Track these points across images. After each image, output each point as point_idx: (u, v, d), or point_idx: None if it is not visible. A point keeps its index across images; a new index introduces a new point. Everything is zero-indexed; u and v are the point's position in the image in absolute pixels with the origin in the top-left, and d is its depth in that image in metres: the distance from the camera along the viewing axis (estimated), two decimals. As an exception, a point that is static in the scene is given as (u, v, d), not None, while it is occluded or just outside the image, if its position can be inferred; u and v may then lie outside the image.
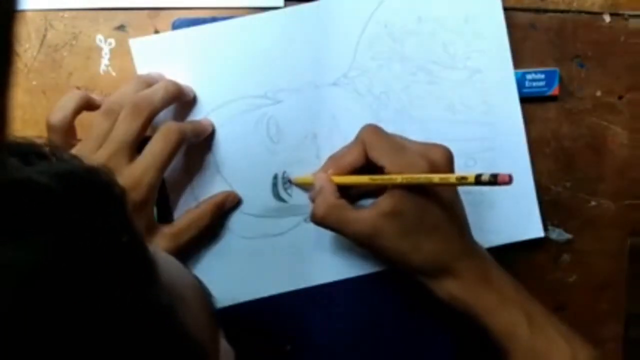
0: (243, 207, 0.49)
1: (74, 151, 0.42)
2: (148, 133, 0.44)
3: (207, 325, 0.29)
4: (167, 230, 0.45)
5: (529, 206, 0.50)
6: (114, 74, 0.49)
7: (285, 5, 0.48)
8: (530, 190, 0.50)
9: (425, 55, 0.49)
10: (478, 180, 0.36)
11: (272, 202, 0.49)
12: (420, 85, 0.49)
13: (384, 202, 0.42)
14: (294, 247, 0.49)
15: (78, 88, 0.48)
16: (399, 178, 0.41)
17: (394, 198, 0.42)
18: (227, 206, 0.48)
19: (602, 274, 0.53)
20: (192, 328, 0.25)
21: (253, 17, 0.48)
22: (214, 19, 0.48)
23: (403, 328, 0.51)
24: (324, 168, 0.47)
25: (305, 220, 0.49)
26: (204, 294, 0.30)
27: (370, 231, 0.42)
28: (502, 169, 0.37)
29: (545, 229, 0.52)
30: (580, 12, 0.51)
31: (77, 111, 0.44)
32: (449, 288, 0.44)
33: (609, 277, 0.53)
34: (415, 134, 0.46)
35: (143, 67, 0.47)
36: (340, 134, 0.48)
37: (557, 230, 0.52)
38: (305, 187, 0.48)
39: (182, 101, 0.47)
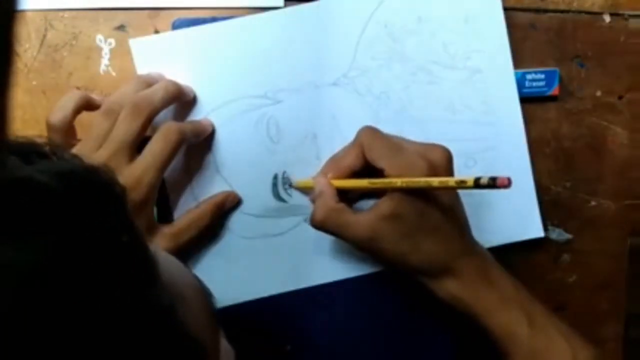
0: (243, 207, 0.49)
1: (74, 151, 0.42)
2: (148, 133, 0.44)
3: (208, 324, 0.29)
4: (167, 230, 0.45)
5: (529, 206, 0.50)
6: (114, 74, 0.49)
7: (285, 5, 0.48)
8: (530, 190, 0.50)
9: (425, 55, 0.49)
10: (477, 184, 0.36)
11: (272, 202, 0.49)
12: (420, 85, 0.49)
13: (384, 206, 0.42)
14: (294, 247, 0.49)
15: (78, 88, 0.48)
16: (398, 182, 0.41)
17: (393, 201, 0.42)
18: (227, 206, 0.48)
19: (602, 274, 0.53)
20: (192, 327, 0.25)
21: (253, 17, 0.48)
22: (214, 19, 0.48)
23: (403, 328, 0.51)
24: (324, 171, 0.47)
25: (305, 220, 0.49)
26: (205, 294, 0.30)
27: (369, 234, 0.42)
28: (502, 169, 0.37)
29: (545, 229, 0.52)
30: (580, 12, 0.51)
31: (77, 111, 0.44)
32: (449, 288, 0.44)
33: (609, 277, 0.53)
34: (415, 134, 0.46)
35: (143, 67, 0.47)
36: (340, 134, 0.48)
37: (557, 230, 0.52)
38: (305, 190, 0.48)
39: (182, 101, 0.47)
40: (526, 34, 0.51)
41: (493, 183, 0.35)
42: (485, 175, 0.36)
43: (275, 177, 0.49)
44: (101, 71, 0.49)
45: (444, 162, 0.43)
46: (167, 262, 0.27)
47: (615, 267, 0.53)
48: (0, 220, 0.19)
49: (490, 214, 0.50)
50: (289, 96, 0.48)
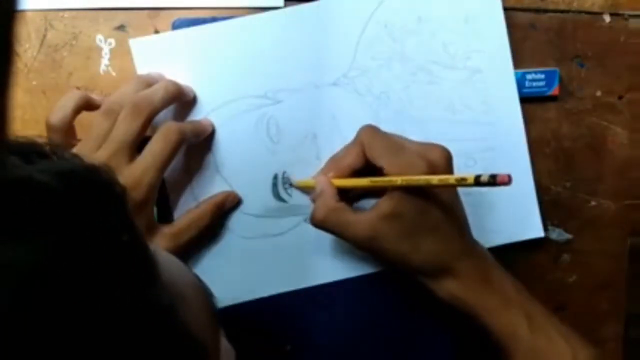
0: (243, 207, 0.49)
1: (74, 151, 0.42)
2: (148, 133, 0.44)
3: (208, 324, 0.29)
4: (167, 230, 0.45)
5: (529, 206, 0.50)
6: (114, 74, 0.49)
7: (285, 5, 0.48)
8: (530, 190, 0.50)
9: (425, 55, 0.49)
10: (477, 181, 0.36)
11: (272, 202, 0.49)
12: (420, 85, 0.49)
13: (384, 205, 0.42)
14: (294, 247, 0.49)
15: (78, 88, 0.48)
16: (398, 180, 0.41)
17: (393, 200, 0.42)
18: (227, 206, 0.48)
19: (602, 274, 0.53)
20: (192, 327, 0.25)
21: (253, 17, 0.48)
22: (214, 19, 0.48)
23: (403, 328, 0.51)
24: (324, 170, 0.47)
25: (305, 220, 0.49)
26: (205, 293, 0.30)
27: (370, 233, 0.42)
28: (502, 169, 0.37)
29: (545, 229, 0.52)
30: (580, 12, 0.51)
31: (77, 111, 0.44)
32: (449, 288, 0.44)
33: (609, 277, 0.53)
34: (415, 134, 0.46)
35: (143, 67, 0.47)
36: (340, 134, 0.48)
37: (557, 230, 0.52)
38: (306, 190, 0.48)
39: (182, 101, 0.47)
40: (526, 34, 0.51)
41: (493, 180, 0.35)
42: (485, 173, 0.36)
43: (275, 177, 0.49)
44: (101, 71, 0.49)
45: (443, 162, 0.43)
46: (168, 262, 0.27)
47: (615, 267, 0.53)
48: (0, 220, 0.19)
49: (490, 214, 0.50)
50: (289, 96, 0.48)
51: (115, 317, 0.21)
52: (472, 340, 0.47)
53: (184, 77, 0.47)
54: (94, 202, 0.22)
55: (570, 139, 0.52)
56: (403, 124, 0.49)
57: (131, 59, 0.47)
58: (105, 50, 0.49)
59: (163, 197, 0.47)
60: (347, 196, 0.46)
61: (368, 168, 0.44)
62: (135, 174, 0.42)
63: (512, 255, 0.50)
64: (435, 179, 0.40)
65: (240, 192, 0.49)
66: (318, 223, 0.44)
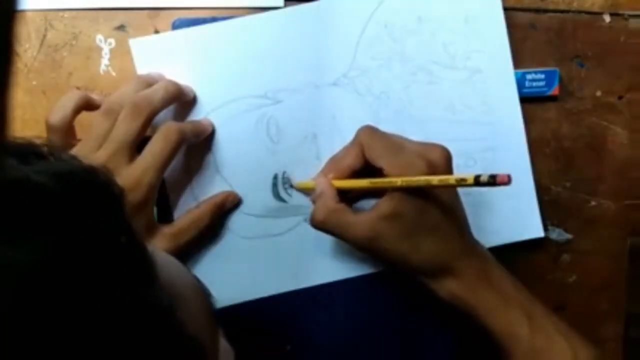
0: (243, 207, 0.49)
1: (73, 151, 0.42)
2: (148, 133, 0.44)
3: (207, 324, 0.29)
4: (167, 230, 0.45)
5: (529, 206, 0.50)
6: (114, 74, 0.49)
7: (285, 5, 0.48)
8: (530, 190, 0.50)
9: (425, 55, 0.49)
10: (477, 181, 0.36)
11: (272, 202, 0.49)
12: (420, 85, 0.49)
13: (384, 205, 0.42)
14: (294, 247, 0.49)
15: (78, 88, 0.48)
16: (398, 181, 0.41)
17: (393, 201, 0.42)
18: (227, 206, 0.48)
19: (602, 274, 0.53)
20: (191, 327, 0.25)
21: (253, 17, 0.48)
22: (214, 19, 0.48)
23: (403, 328, 0.51)
24: (324, 172, 0.47)
25: (305, 220, 0.49)
26: (204, 294, 0.30)
27: (370, 234, 0.42)
28: (502, 169, 0.37)
29: (545, 229, 0.51)
30: (580, 12, 0.51)
31: (77, 111, 0.44)
32: (450, 288, 0.44)
33: (609, 277, 0.53)
34: (415, 134, 0.46)
35: (143, 67, 0.47)
36: (340, 134, 0.48)
37: (557, 230, 0.52)
38: (306, 191, 0.48)
39: (182, 101, 0.47)
40: (526, 34, 0.51)
41: (493, 180, 0.35)
42: (485, 173, 0.36)
43: (275, 177, 0.49)
44: (101, 71, 0.49)
45: (443, 162, 0.43)
46: (166, 263, 0.27)
47: (615, 267, 0.53)
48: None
49: (490, 214, 0.50)
50: (289, 96, 0.48)
51: (114, 318, 0.21)
52: (473, 340, 0.47)
53: (184, 77, 0.47)
54: (91, 203, 0.22)
55: (570, 139, 0.52)
56: (403, 124, 0.49)
57: (131, 59, 0.47)
58: (105, 50, 0.49)
59: (163, 197, 0.47)
60: (347, 197, 0.46)
61: (368, 168, 0.44)
62: (135, 174, 0.42)
63: (512, 255, 0.50)
64: (435, 179, 0.40)
65: (240, 192, 0.49)
66: (318, 224, 0.44)
